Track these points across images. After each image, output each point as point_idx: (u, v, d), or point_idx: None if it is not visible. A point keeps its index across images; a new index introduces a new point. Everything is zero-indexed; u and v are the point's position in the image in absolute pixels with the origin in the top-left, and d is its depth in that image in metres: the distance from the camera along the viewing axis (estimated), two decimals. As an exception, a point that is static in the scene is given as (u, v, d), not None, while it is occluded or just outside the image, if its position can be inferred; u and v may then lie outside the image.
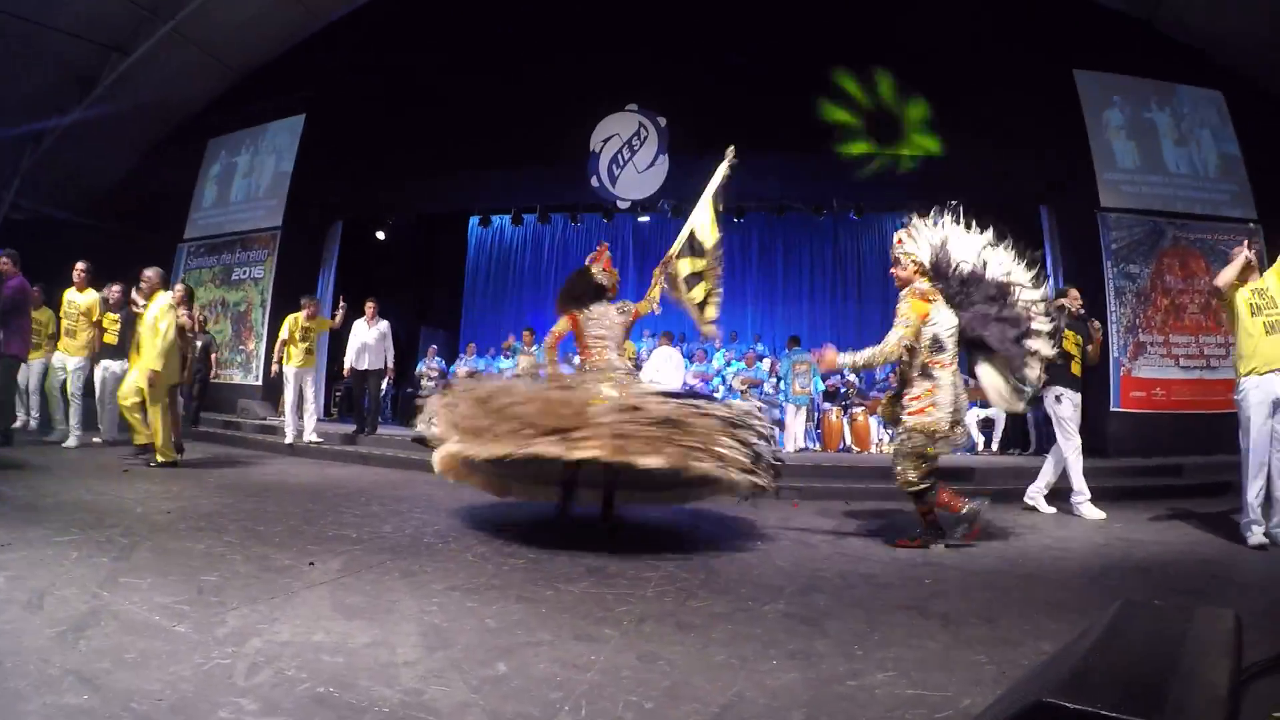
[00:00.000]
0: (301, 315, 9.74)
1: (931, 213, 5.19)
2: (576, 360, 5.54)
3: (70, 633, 2.51)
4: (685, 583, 3.60)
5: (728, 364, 13.20)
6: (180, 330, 7.73)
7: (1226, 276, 5.21)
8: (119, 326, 8.81)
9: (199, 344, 10.97)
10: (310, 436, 9.83)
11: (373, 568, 3.68)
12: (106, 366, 8.84)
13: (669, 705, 2.14)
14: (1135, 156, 10.73)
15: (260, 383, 13.10)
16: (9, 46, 12.10)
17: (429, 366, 13.46)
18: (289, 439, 9.85)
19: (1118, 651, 1.27)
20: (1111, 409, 10.07)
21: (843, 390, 12.35)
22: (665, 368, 10.47)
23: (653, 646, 2.65)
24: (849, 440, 11.90)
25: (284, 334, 9.74)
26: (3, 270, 7.57)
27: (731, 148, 5.97)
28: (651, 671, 2.40)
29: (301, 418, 9.89)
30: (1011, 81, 10.43)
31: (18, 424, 9.34)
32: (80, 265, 8.75)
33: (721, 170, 5.99)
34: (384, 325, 10.58)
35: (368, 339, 10.45)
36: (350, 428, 10.67)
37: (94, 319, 8.81)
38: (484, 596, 3.24)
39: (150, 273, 7.57)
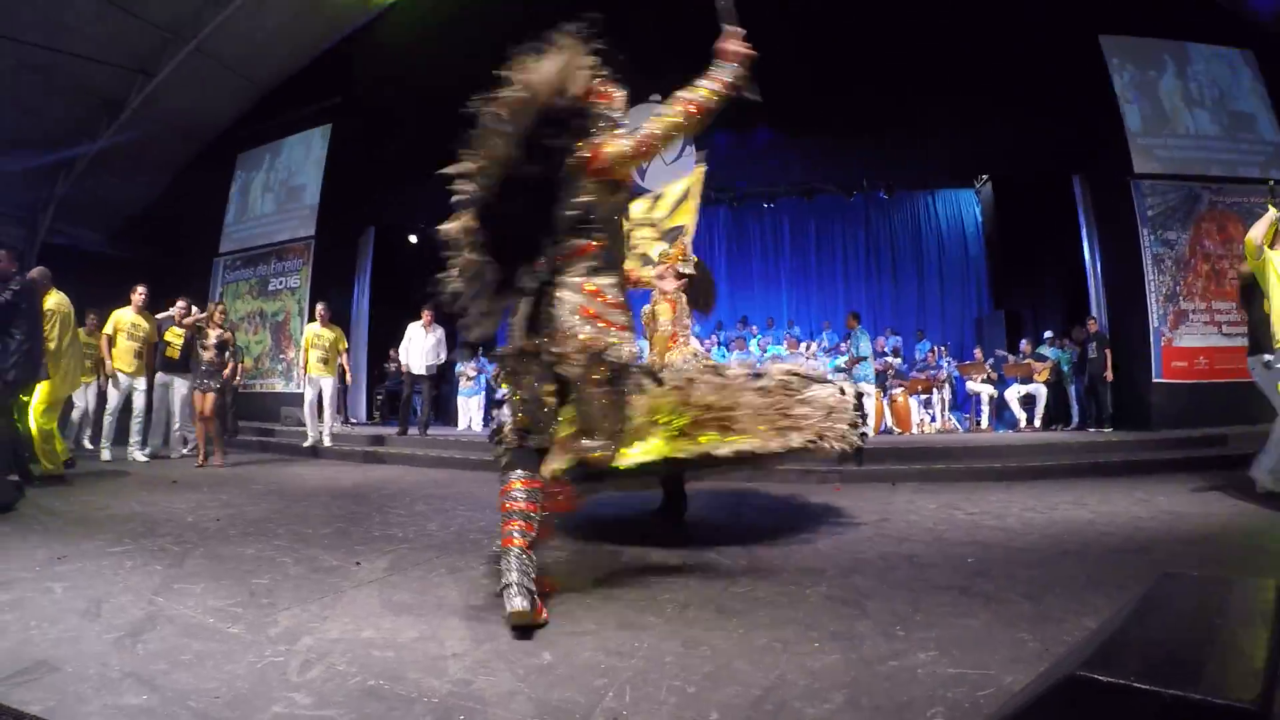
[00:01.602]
0: (316, 324, 10.11)
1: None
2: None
3: (128, 637, 2.59)
4: (727, 568, 3.61)
5: (764, 350, 13.13)
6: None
7: (1257, 230, 5.11)
8: (181, 341, 9.14)
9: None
10: (328, 440, 10.14)
11: (419, 565, 3.74)
12: (167, 382, 9.22)
13: (711, 689, 2.16)
14: (1165, 120, 10.53)
15: (302, 390, 13.34)
16: (35, 75, 12.39)
17: (468, 366, 13.56)
18: (308, 442, 10.17)
19: (1154, 624, 1.27)
20: (1153, 379, 9.94)
21: (883, 371, 12.27)
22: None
23: (695, 632, 2.67)
24: (890, 421, 11.83)
25: (302, 343, 10.25)
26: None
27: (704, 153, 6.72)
28: (694, 656, 2.42)
29: (321, 421, 10.21)
30: (1036, 51, 10.32)
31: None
32: (141, 289, 9.01)
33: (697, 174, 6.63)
34: (440, 332, 10.85)
35: (424, 344, 10.67)
36: (393, 430, 10.84)
37: (153, 340, 9.14)
38: (529, 589, 3.28)
39: (34, 273, 7.17)
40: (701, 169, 6.71)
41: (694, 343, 5.43)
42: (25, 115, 13.07)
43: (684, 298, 5.47)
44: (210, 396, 8.45)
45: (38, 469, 6.88)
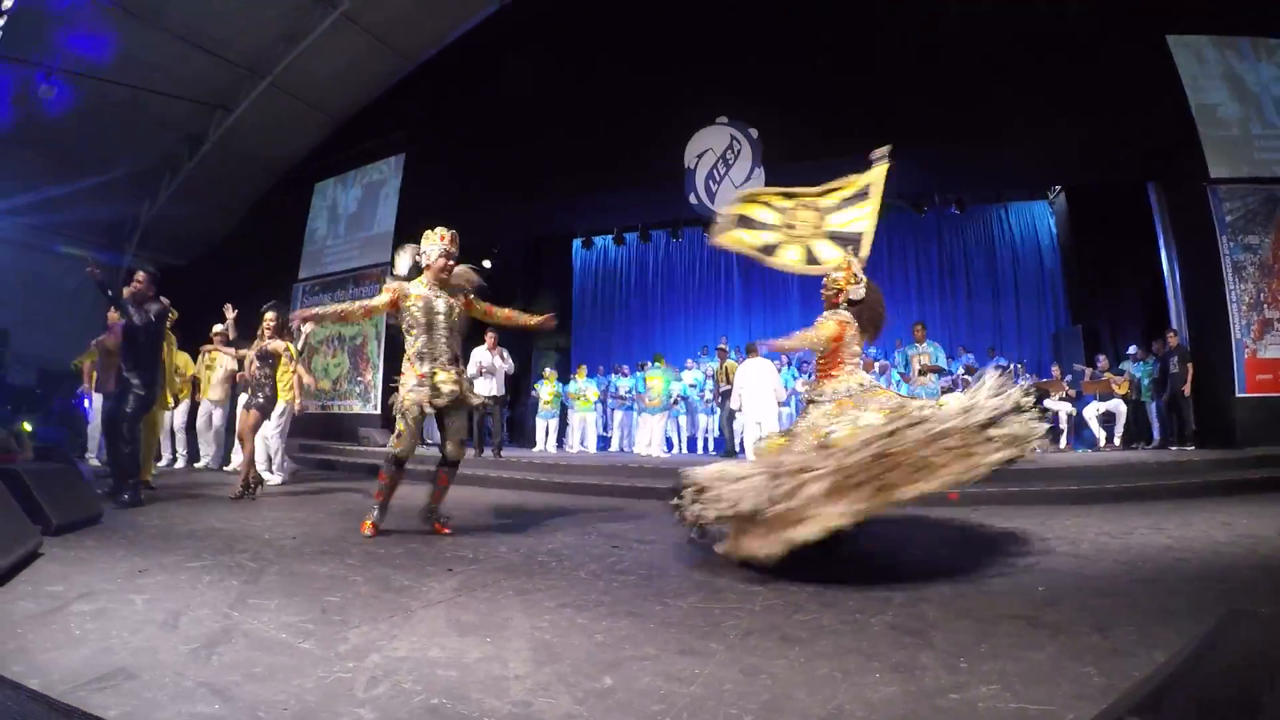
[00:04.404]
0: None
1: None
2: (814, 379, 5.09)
3: (203, 649, 2.69)
4: (793, 595, 3.58)
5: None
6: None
7: None
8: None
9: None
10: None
11: (487, 586, 3.79)
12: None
13: (767, 718, 2.16)
14: (1240, 122, 10.10)
15: (379, 411, 13.64)
16: (119, 111, 13.03)
17: (546, 389, 13.72)
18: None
19: (1214, 666, 1.22)
20: (1236, 394, 9.53)
21: (959, 389, 11.96)
22: (754, 381, 10.10)
23: (756, 660, 2.66)
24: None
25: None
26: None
27: (886, 148, 5.59)
28: (753, 685, 2.41)
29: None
30: (1104, 59, 10.07)
31: (163, 462, 10.09)
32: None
33: (879, 172, 5.60)
34: (503, 354, 10.98)
35: (489, 367, 10.87)
36: (468, 452, 10.97)
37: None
38: (594, 613, 3.31)
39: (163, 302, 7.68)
40: (885, 166, 5.62)
41: (860, 373, 4.85)
42: (110, 148, 13.75)
43: (853, 323, 4.93)
44: (251, 414, 7.72)
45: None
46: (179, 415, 10.28)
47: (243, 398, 8.21)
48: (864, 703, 2.26)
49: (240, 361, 8.90)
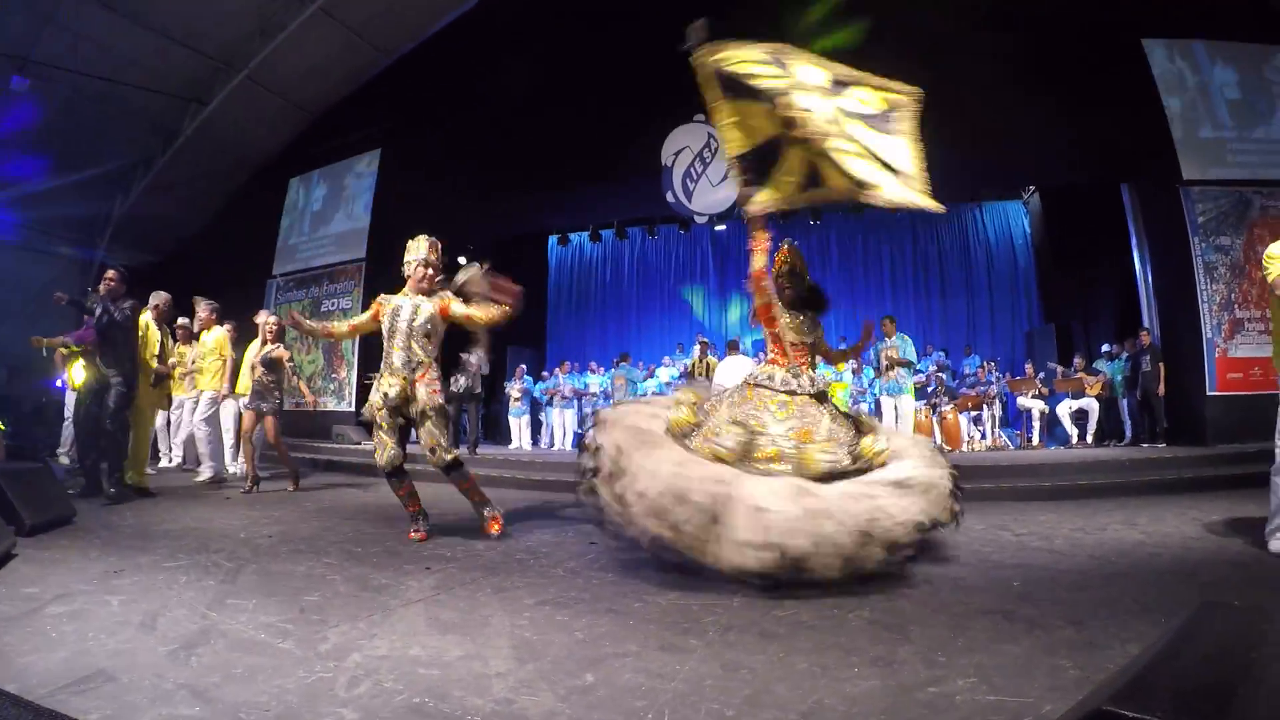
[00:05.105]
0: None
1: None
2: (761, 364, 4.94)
3: (182, 650, 2.67)
4: (772, 592, 3.58)
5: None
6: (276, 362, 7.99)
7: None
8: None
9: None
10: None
11: (466, 584, 3.78)
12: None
13: (749, 713, 2.17)
14: (1213, 125, 10.26)
15: (354, 408, 13.56)
16: (93, 104, 12.89)
17: (515, 386, 13.70)
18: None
19: (1190, 656, 1.25)
20: (1207, 393, 9.69)
21: (932, 387, 12.07)
22: (735, 379, 9.67)
23: (736, 655, 2.68)
24: (939, 439, 11.58)
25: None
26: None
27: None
28: (734, 680, 2.43)
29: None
30: (1080, 60, 10.19)
31: (170, 464, 10.07)
32: (206, 304, 9.14)
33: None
34: (479, 353, 10.93)
35: (463, 365, 10.83)
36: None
37: (224, 355, 9.08)
38: (574, 610, 3.31)
39: (162, 301, 7.81)
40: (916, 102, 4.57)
41: (765, 365, 4.73)
42: (83, 143, 13.58)
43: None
44: (267, 419, 7.92)
45: (131, 477, 7.26)
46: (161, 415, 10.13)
47: (230, 401, 8.62)
48: (843, 697, 2.28)
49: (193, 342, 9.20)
